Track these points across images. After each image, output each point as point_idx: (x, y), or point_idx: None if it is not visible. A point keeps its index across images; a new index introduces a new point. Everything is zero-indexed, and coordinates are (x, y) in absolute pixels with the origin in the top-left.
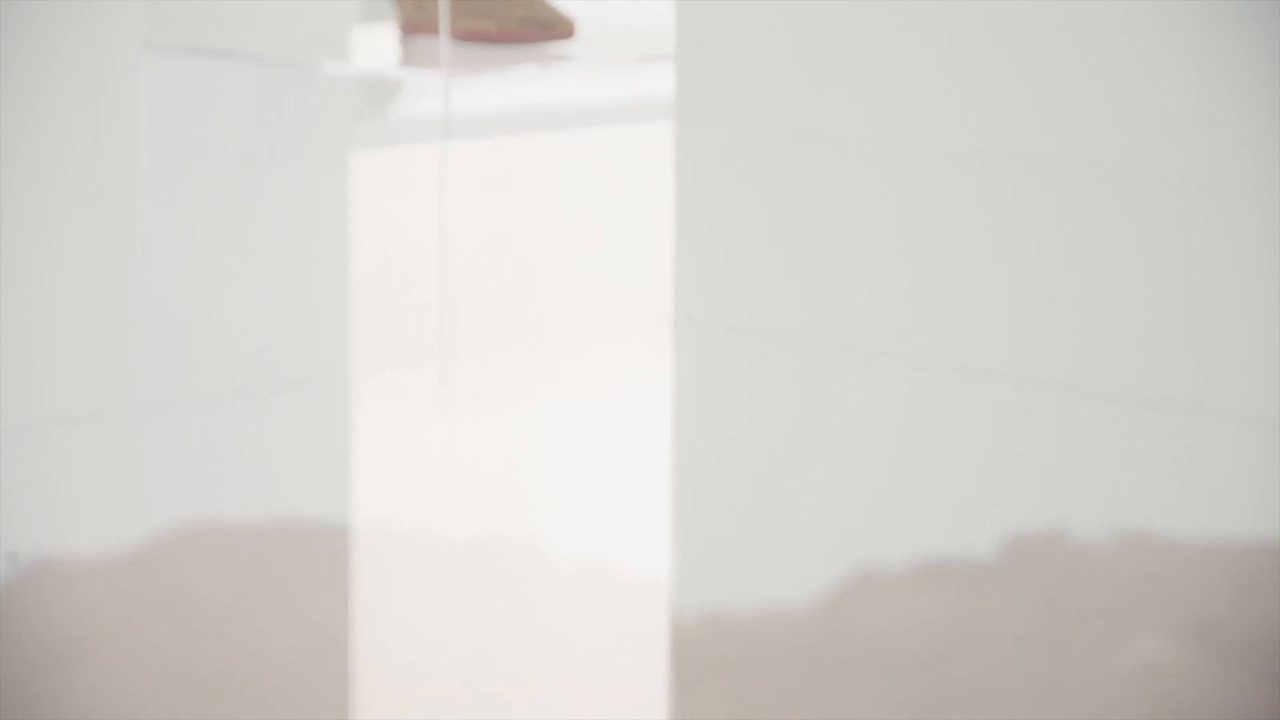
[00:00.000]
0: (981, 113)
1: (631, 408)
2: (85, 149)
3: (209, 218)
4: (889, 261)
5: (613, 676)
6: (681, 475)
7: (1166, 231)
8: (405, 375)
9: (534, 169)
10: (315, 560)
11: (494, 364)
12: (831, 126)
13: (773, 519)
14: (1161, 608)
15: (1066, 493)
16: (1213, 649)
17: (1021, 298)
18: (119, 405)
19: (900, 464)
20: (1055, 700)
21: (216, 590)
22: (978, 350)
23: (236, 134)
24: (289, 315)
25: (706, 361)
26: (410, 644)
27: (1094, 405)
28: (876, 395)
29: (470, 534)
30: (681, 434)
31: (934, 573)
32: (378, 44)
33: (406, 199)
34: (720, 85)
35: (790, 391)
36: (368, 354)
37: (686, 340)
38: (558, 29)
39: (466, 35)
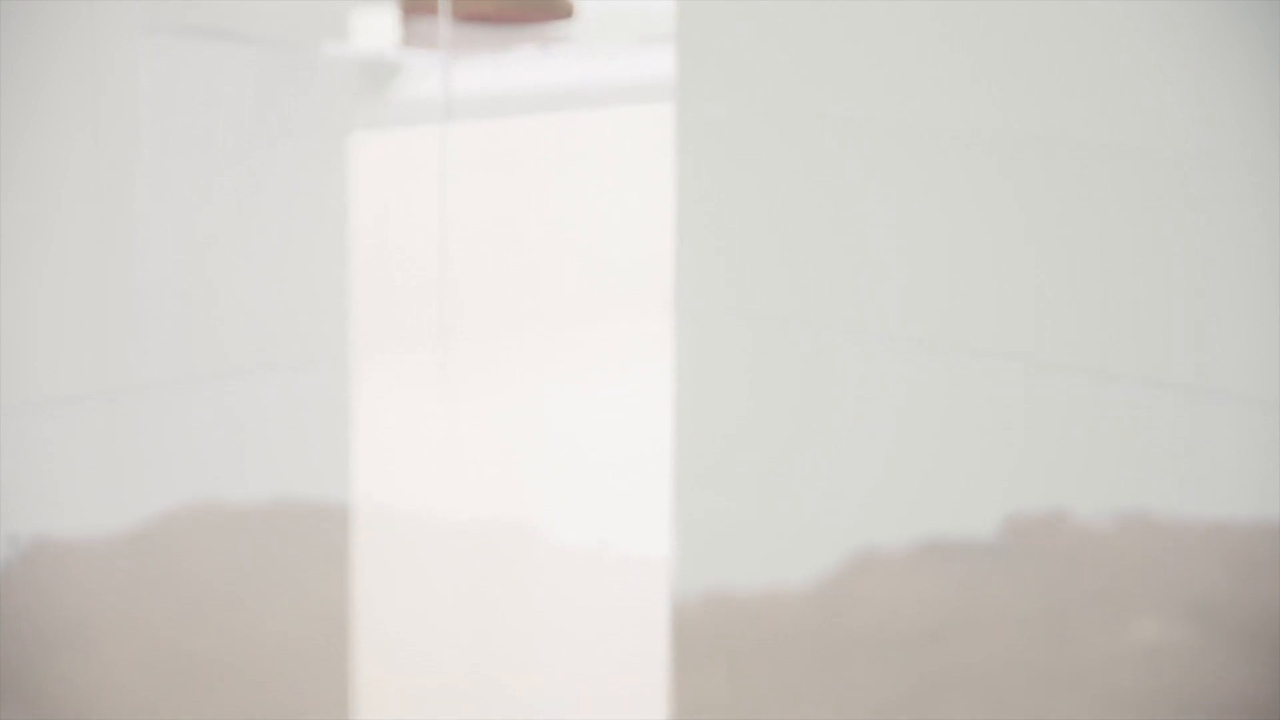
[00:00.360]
0: (983, 95)
1: (631, 391)
2: (85, 131)
3: (209, 199)
4: (889, 244)
5: (613, 658)
6: (681, 458)
7: (1168, 212)
8: (405, 358)
9: (534, 151)
10: (314, 542)
11: (494, 346)
12: (832, 108)
13: (773, 501)
14: (1162, 589)
15: (1067, 474)
16: (1213, 630)
17: (1022, 279)
18: (118, 386)
19: (900, 445)
20: (1055, 681)
21: (215, 572)
22: (978, 331)
23: (236, 116)
24: (289, 297)
25: (707, 344)
26: (409, 627)
27: (1095, 386)
28: (876, 377)
29: (470, 516)
30: (682, 416)
31: (934, 554)
32: (378, 25)
33: (406, 181)
34: (721, 66)
35: (790, 374)
36: (367, 336)
37: (687, 323)
38: (557, 10)
39: (467, 16)
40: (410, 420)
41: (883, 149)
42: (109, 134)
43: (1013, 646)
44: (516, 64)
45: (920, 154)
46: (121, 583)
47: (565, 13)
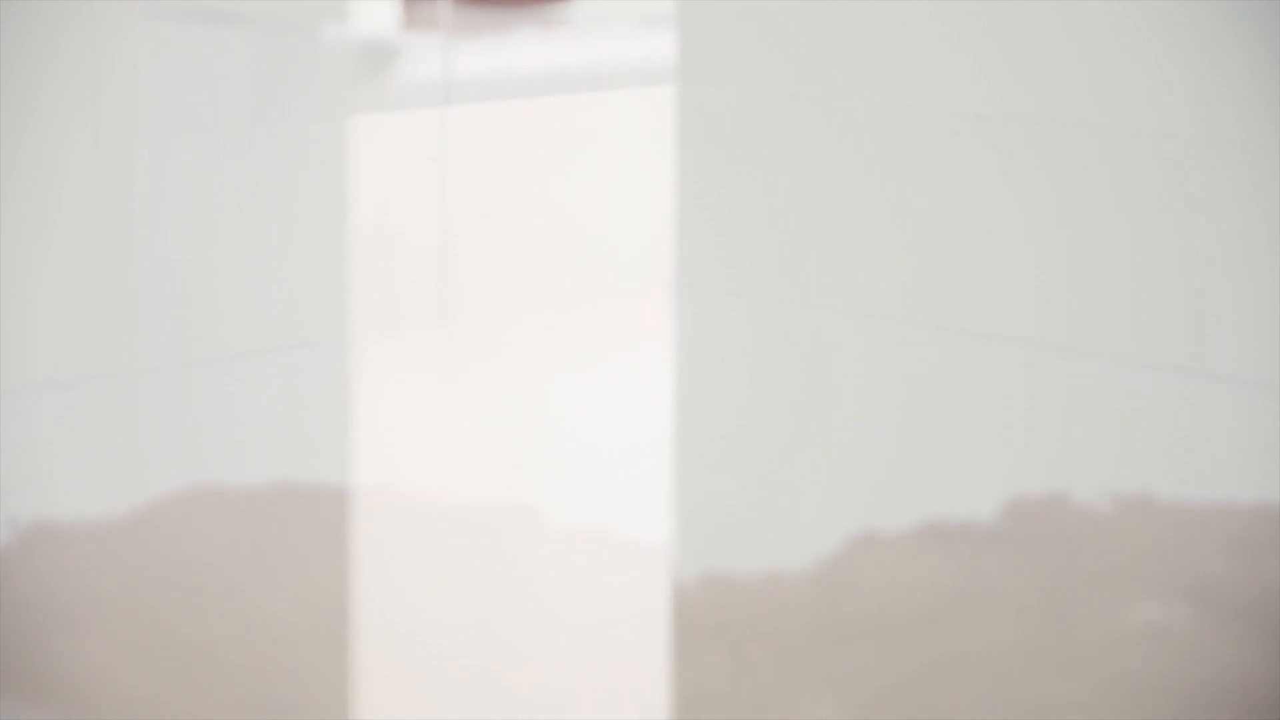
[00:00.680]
0: (987, 77)
1: (632, 374)
2: (84, 114)
3: (208, 181)
4: (891, 227)
5: (613, 640)
6: (683, 440)
7: (1169, 196)
8: (405, 341)
9: (535, 133)
10: (314, 527)
11: (494, 329)
12: (836, 89)
13: (773, 483)
14: (1162, 572)
15: (1067, 457)
16: (1214, 613)
17: (1023, 261)
18: (118, 370)
19: (901, 428)
20: (1056, 664)
21: (215, 555)
22: (979, 314)
23: (235, 98)
24: (289, 279)
25: (708, 326)
26: (410, 609)
27: (1095, 370)
28: (877, 360)
29: (471, 498)
30: (682, 399)
31: (935, 537)
32: (377, 8)
33: (407, 163)
34: (723, 48)
35: (792, 356)
36: (367, 319)
37: (688, 305)
38: None
39: None
40: (410, 404)
41: (885, 132)
42: (108, 118)
43: (1013, 630)
44: (517, 46)
45: (923, 138)
46: (121, 566)
47: None
